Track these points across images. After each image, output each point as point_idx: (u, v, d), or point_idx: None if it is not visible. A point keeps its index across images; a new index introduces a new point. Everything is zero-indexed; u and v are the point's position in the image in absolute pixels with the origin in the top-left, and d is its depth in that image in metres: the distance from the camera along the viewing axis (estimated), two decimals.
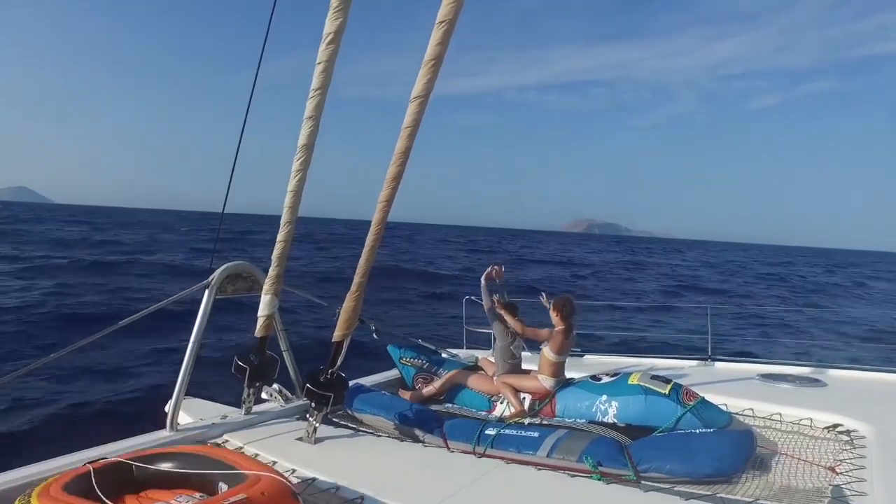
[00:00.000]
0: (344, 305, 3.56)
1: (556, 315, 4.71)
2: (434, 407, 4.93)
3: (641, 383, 4.12)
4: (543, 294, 5.05)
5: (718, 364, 5.78)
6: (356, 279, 3.53)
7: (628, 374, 4.33)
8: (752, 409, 4.32)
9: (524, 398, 4.67)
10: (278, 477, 2.51)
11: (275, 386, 4.54)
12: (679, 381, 4.23)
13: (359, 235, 3.87)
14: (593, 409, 4.22)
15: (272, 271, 4.02)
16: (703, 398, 4.02)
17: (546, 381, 4.62)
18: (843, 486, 2.99)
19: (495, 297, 5.12)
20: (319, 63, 3.51)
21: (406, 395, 5.19)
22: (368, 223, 3.49)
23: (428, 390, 5.11)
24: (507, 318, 4.89)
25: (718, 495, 2.95)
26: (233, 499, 2.24)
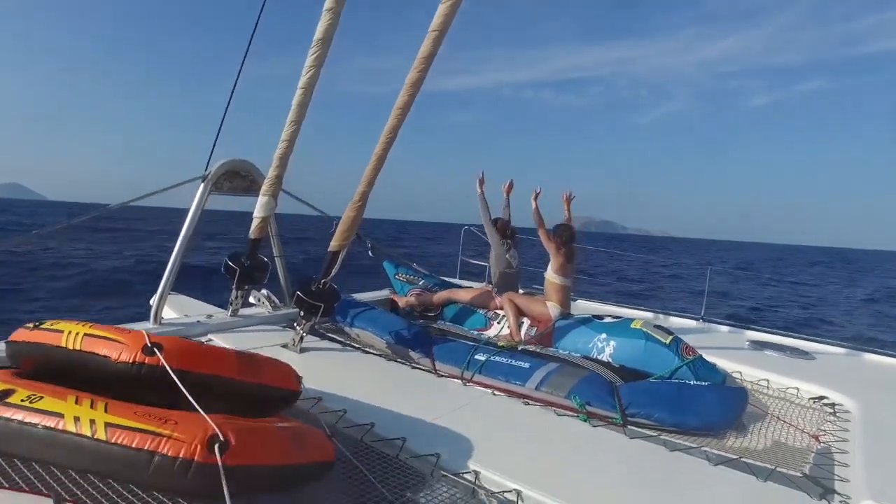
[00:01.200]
0: (344, 214, 3.41)
1: (557, 239, 4.65)
2: (426, 325, 4.87)
3: (644, 329, 4.07)
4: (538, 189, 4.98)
5: (710, 325, 5.77)
6: (360, 188, 3.36)
7: (631, 319, 4.28)
8: (741, 373, 4.31)
9: (522, 323, 4.62)
10: (284, 362, 2.46)
11: (263, 291, 4.45)
12: None
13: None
14: (590, 345, 4.17)
15: (272, 172, 3.83)
16: (702, 356, 3.97)
17: (553, 309, 4.56)
18: (826, 454, 2.98)
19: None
20: None
21: (400, 300, 5.14)
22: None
23: (423, 298, 5.06)
24: (536, 209, 4.80)
25: (703, 448, 2.93)
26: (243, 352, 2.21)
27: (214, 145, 4.02)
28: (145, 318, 3.83)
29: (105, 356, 1.86)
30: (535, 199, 4.89)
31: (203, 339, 3.77)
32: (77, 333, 1.95)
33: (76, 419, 1.56)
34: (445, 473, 2.32)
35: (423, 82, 3.09)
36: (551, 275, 4.64)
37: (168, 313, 4.02)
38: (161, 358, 1.82)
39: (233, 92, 4.03)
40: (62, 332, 1.99)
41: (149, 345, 1.85)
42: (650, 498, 2.29)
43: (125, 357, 1.83)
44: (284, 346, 3.70)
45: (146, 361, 1.82)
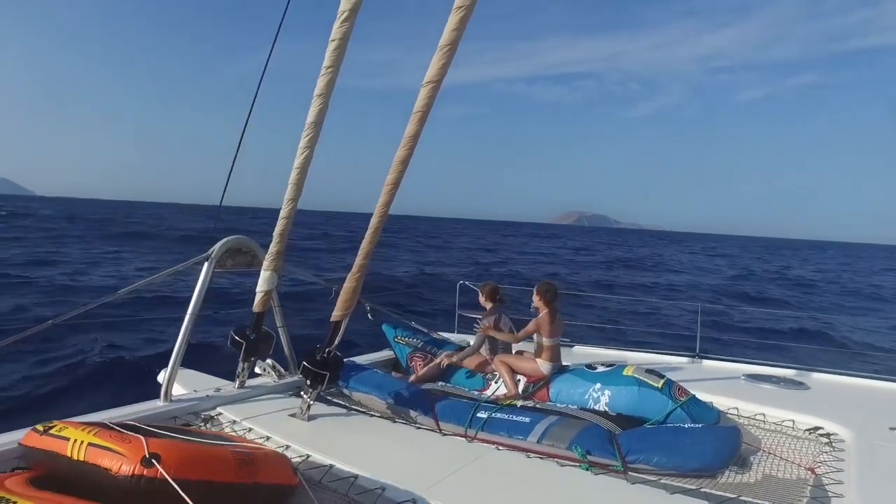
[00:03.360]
0: (344, 286, 3.57)
1: (540, 300, 4.73)
2: (427, 385, 4.98)
3: (636, 375, 4.18)
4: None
5: (705, 362, 5.88)
6: (358, 260, 3.54)
7: (623, 366, 4.39)
8: (738, 408, 4.41)
9: (519, 380, 4.72)
10: (280, 452, 2.53)
11: (268, 361, 4.56)
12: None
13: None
14: (586, 397, 4.28)
15: (273, 248, 4.02)
16: (694, 396, 4.09)
17: (544, 366, 4.65)
18: (822, 486, 3.08)
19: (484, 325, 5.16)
20: (333, 41, 3.48)
21: (399, 377, 5.22)
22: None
23: (421, 374, 5.15)
24: (499, 336, 4.98)
25: (703, 490, 3.03)
26: (239, 449, 2.29)
27: (226, 186, 4.20)
28: (154, 395, 3.93)
29: (106, 469, 1.94)
30: (491, 330, 5.03)
31: (213, 412, 3.87)
32: (81, 443, 2.04)
33: None
34: None
35: (410, 159, 3.32)
36: (538, 338, 4.72)
37: (176, 389, 4.12)
38: (160, 469, 1.89)
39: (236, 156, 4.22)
40: (68, 440, 2.07)
41: (147, 456, 1.92)
42: None
43: (125, 470, 1.91)
44: (293, 414, 3.80)
45: (145, 474, 1.90)
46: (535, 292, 4.79)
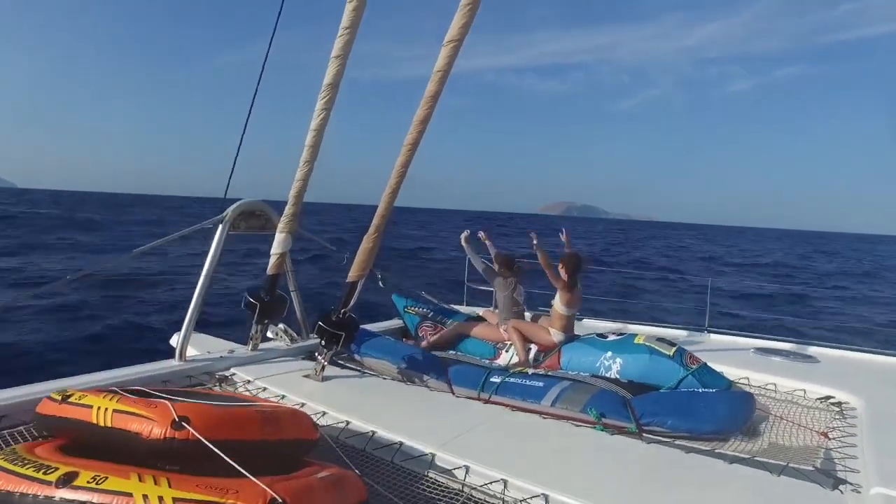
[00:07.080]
0: (361, 246, 3.57)
1: (564, 270, 4.72)
2: (438, 354, 5.00)
3: (647, 343, 4.18)
4: (534, 234, 4.99)
5: (715, 335, 5.89)
6: (375, 221, 3.54)
7: (634, 335, 4.40)
8: (748, 378, 4.43)
9: (530, 349, 4.73)
10: (299, 409, 2.56)
11: (280, 325, 4.58)
12: None
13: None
14: (597, 364, 4.28)
15: (288, 210, 4.01)
16: (706, 363, 4.10)
17: (556, 335, 4.66)
18: (835, 449, 3.10)
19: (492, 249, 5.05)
20: (351, 2, 3.45)
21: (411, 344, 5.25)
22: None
23: (434, 339, 5.17)
24: (539, 253, 4.77)
25: (717, 451, 3.05)
26: (261, 408, 2.31)
27: (231, 178, 4.19)
28: (166, 356, 3.95)
29: (136, 433, 1.95)
30: (537, 247, 4.87)
31: (227, 372, 3.90)
32: (106, 409, 2.04)
33: (145, 497, 1.66)
34: (475, 486, 2.45)
35: (430, 119, 3.30)
36: (559, 305, 4.72)
37: (190, 351, 4.15)
38: (191, 430, 1.90)
39: (244, 131, 4.20)
40: (91, 407, 2.08)
41: (177, 419, 1.93)
42: (670, 497, 2.42)
43: (156, 433, 1.92)
44: (307, 376, 3.82)
45: (176, 436, 1.91)
46: (560, 263, 4.77)
